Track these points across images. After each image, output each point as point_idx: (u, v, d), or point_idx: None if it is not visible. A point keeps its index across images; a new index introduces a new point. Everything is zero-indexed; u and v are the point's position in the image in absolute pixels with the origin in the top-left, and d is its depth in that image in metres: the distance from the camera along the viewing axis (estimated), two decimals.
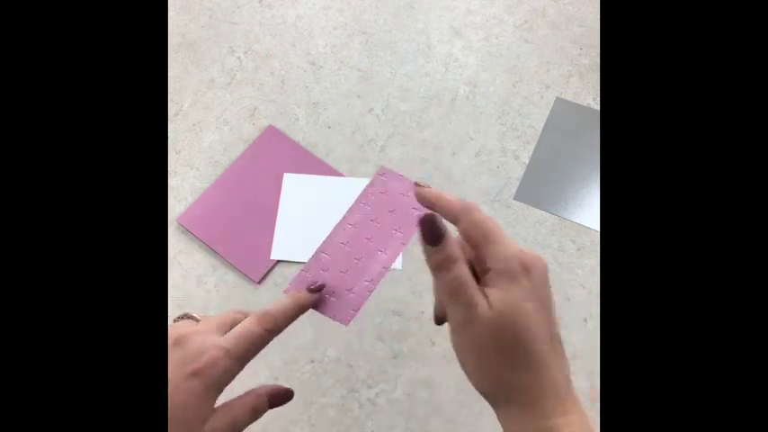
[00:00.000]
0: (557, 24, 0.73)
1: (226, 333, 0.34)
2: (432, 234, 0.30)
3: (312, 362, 0.55)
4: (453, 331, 0.30)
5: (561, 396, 0.29)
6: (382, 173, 0.38)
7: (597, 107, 0.67)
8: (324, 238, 0.39)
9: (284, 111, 0.67)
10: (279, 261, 0.59)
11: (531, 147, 0.65)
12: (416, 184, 0.33)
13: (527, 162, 0.64)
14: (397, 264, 0.58)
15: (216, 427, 0.32)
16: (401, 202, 0.38)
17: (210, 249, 0.59)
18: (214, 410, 0.33)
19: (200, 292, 0.57)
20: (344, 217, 0.39)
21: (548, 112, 0.67)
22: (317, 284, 0.37)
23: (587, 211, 0.61)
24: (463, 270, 0.30)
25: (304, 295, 0.37)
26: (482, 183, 0.63)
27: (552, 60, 0.71)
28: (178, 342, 0.33)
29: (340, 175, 0.63)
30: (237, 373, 0.33)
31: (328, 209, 0.61)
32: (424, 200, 0.33)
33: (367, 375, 0.54)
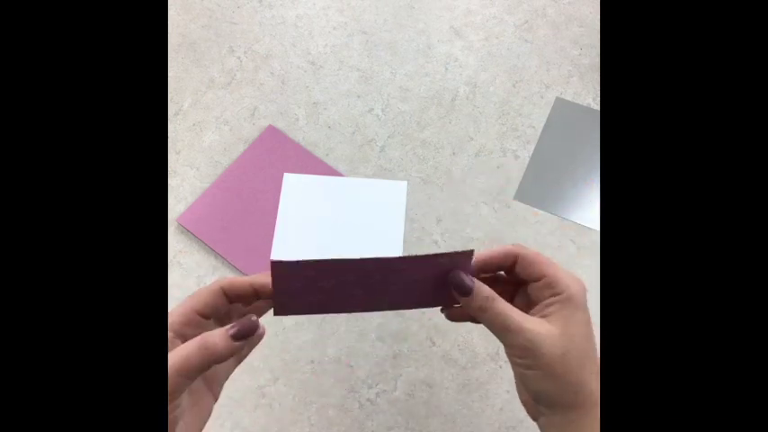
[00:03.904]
0: (557, 24, 0.73)
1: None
2: (462, 286, 0.34)
3: (312, 362, 0.55)
4: (518, 360, 0.33)
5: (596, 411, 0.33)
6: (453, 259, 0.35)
7: (597, 107, 0.67)
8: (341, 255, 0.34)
9: (284, 111, 0.67)
10: None
11: (531, 147, 0.65)
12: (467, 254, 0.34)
13: (527, 162, 0.64)
14: None
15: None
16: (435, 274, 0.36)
17: (210, 249, 0.59)
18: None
19: None
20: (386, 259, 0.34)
21: (548, 112, 0.67)
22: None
23: (587, 211, 0.61)
24: (504, 303, 0.33)
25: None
26: (482, 183, 0.63)
27: (552, 60, 0.71)
28: None
29: (340, 175, 0.63)
30: (178, 389, 0.30)
31: (329, 209, 0.61)
32: (478, 263, 0.35)
33: (367, 375, 0.54)
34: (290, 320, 0.56)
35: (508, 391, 0.53)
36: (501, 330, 0.33)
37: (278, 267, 0.33)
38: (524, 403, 0.36)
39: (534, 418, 0.35)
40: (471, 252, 0.34)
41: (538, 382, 0.33)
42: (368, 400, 0.53)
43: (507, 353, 0.34)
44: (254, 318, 0.32)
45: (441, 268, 0.35)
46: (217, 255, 0.59)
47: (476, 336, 0.55)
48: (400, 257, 0.33)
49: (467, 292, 0.34)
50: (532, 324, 0.32)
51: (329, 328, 0.56)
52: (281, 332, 0.56)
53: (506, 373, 0.54)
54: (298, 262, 0.33)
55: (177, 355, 0.30)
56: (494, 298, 0.33)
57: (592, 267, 0.58)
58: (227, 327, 0.32)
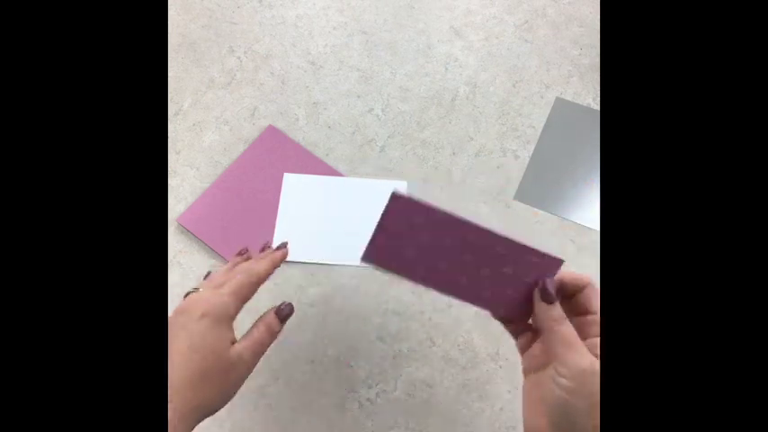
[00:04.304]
0: (557, 24, 0.73)
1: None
2: (549, 295, 0.36)
3: (312, 362, 0.55)
4: (565, 382, 0.34)
5: None
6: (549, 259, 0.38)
7: (597, 107, 0.67)
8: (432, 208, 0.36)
9: (284, 111, 0.67)
10: None
11: (531, 147, 0.65)
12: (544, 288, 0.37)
13: (527, 162, 0.64)
14: None
15: (240, 349, 0.40)
16: (526, 270, 0.38)
17: (210, 249, 0.59)
18: (236, 339, 0.41)
19: None
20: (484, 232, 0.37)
21: (548, 112, 0.67)
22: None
23: (587, 211, 0.61)
24: (571, 327, 0.35)
25: (280, 254, 0.48)
26: (482, 183, 0.63)
27: (552, 60, 0.71)
28: (185, 309, 0.40)
29: (340, 175, 0.63)
30: (237, 307, 0.42)
31: (328, 209, 0.61)
32: (555, 282, 0.38)
33: (367, 375, 0.54)
34: (289, 320, 0.56)
35: (509, 392, 0.53)
36: (570, 346, 0.34)
37: (397, 199, 0.36)
38: (532, 429, 0.36)
39: None
40: (561, 261, 0.37)
41: (574, 410, 0.33)
42: (368, 400, 0.53)
43: (555, 373, 0.34)
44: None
45: (529, 267, 0.37)
46: (216, 255, 0.59)
47: (476, 336, 0.55)
48: (503, 236, 0.37)
49: (551, 300, 0.36)
50: (589, 357, 0.34)
51: (329, 328, 0.56)
52: (282, 332, 0.56)
53: (506, 374, 0.54)
54: (417, 200, 0.36)
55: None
56: (564, 318, 0.36)
57: (592, 267, 0.58)
58: (272, 312, 0.44)
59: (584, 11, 0.74)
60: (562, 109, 0.67)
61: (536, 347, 0.38)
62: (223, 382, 0.39)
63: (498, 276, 0.38)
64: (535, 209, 0.61)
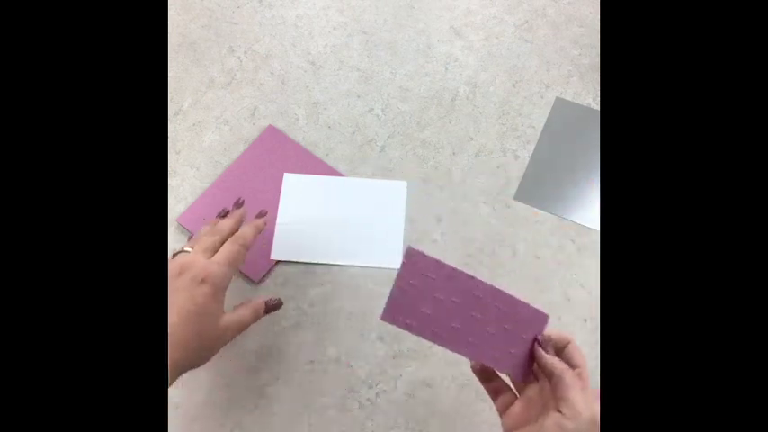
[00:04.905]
0: (557, 24, 0.73)
1: (213, 255, 0.46)
2: (551, 345, 0.41)
3: (312, 362, 0.55)
4: (564, 420, 0.36)
5: None
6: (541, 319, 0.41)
7: (597, 107, 0.67)
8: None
9: (284, 111, 0.67)
10: (279, 261, 0.59)
11: (531, 147, 0.65)
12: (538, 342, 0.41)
13: (527, 162, 0.64)
14: (396, 262, 0.58)
15: (228, 321, 0.45)
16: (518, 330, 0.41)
17: None
18: (224, 313, 0.45)
19: None
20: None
21: (548, 112, 0.67)
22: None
23: (587, 211, 0.61)
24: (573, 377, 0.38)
25: (262, 221, 0.53)
26: (482, 183, 0.63)
27: (552, 60, 0.71)
28: (183, 269, 0.44)
29: (340, 174, 0.63)
30: (231, 277, 0.46)
31: (328, 209, 0.61)
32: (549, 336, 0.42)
33: (367, 375, 0.54)
34: (289, 320, 0.56)
35: None
36: (581, 390, 0.37)
37: (412, 255, 0.38)
38: None
39: None
40: (547, 316, 0.41)
41: None
42: (368, 400, 0.53)
43: (560, 416, 0.36)
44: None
45: (522, 322, 0.40)
46: None
47: None
48: (502, 291, 0.40)
49: (553, 352, 0.40)
50: (596, 405, 0.37)
51: (329, 328, 0.56)
52: (281, 332, 0.56)
53: None
54: (429, 256, 0.38)
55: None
56: (569, 368, 0.39)
57: (592, 267, 0.58)
58: (262, 300, 0.50)
59: (584, 11, 0.74)
60: (562, 109, 0.67)
61: (517, 406, 0.41)
62: (211, 348, 0.44)
63: (502, 333, 0.40)
64: (535, 209, 0.61)
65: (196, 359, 0.43)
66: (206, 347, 0.43)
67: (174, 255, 0.47)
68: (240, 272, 0.58)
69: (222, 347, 0.45)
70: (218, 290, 0.44)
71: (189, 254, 0.46)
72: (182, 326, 0.41)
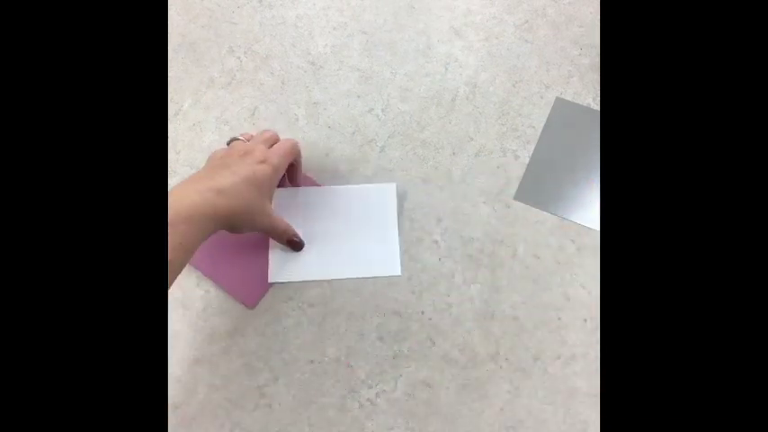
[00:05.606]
0: (557, 24, 0.73)
1: (270, 146, 0.54)
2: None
3: (312, 362, 0.55)
4: None
5: None
6: None
7: (597, 107, 0.67)
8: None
9: (284, 111, 0.67)
10: (273, 283, 0.58)
11: (531, 147, 0.65)
12: None
13: (527, 162, 0.64)
14: (396, 269, 0.58)
15: (270, 212, 0.53)
16: None
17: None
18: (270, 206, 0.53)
19: (199, 292, 0.57)
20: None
21: (548, 112, 0.67)
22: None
23: (587, 211, 0.61)
24: None
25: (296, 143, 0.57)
26: (482, 183, 0.63)
27: (552, 60, 0.71)
28: (247, 152, 0.52)
29: (317, 185, 0.62)
30: (284, 169, 0.54)
31: (317, 222, 0.59)
32: None
33: (367, 375, 0.54)
34: (289, 320, 0.56)
35: (508, 392, 0.53)
36: None
37: None
38: None
39: None
40: None
41: None
42: (368, 400, 0.53)
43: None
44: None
45: None
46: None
47: (476, 336, 0.55)
48: None
49: None
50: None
51: (329, 328, 0.56)
52: (282, 332, 0.56)
53: (506, 374, 0.54)
54: None
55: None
56: None
57: (592, 267, 0.58)
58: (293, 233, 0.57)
59: (584, 11, 0.74)
60: (562, 109, 0.67)
61: None
62: (250, 221, 0.50)
63: None
64: (535, 209, 0.61)
65: (236, 221, 0.48)
66: (247, 219, 0.49)
67: (229, 142, 0.55)
68: (233, 297, 0.57)
69: (250, 232, 0.52)
70: (276, 173, 0.52)
71: (248, 143, 0.53)
72: (242, 185, 0.48)
